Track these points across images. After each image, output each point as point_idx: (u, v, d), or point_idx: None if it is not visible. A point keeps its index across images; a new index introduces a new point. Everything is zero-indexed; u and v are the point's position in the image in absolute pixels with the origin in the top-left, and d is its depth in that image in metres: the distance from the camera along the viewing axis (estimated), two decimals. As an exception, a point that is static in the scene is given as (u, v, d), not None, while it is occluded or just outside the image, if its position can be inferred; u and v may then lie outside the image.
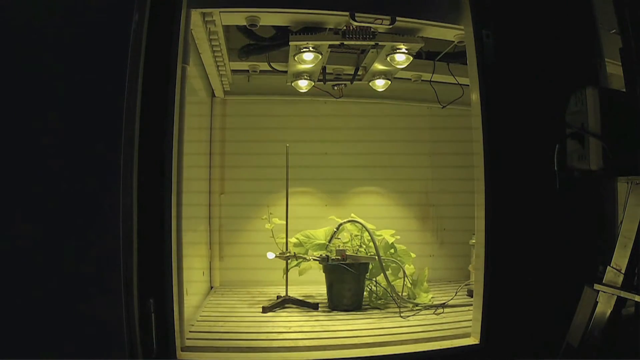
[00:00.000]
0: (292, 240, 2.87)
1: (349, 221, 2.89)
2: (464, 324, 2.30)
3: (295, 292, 2.86)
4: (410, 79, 3.40)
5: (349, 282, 2.71)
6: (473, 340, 2.08)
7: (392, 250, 2.85)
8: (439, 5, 2.31)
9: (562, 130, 1.78)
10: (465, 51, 2.23)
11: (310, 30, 2.50)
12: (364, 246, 2.86)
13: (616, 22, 1.85)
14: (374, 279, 2.86)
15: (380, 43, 2.54)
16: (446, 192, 3.52)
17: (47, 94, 1.66)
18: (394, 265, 2.82)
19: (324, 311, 2.71)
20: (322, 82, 3.20)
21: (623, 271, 1.70)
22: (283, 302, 2.76)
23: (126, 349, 1.62)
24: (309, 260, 2.75)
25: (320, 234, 2.91)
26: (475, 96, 2.14)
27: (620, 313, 1.73)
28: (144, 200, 1.72)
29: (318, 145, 3.45)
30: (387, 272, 2.77)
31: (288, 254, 2.76)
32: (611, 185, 2.14)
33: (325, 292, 2.82)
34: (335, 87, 3.33)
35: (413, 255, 2.90)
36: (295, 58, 2.67)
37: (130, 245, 1.66)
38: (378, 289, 2.87)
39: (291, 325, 2.40)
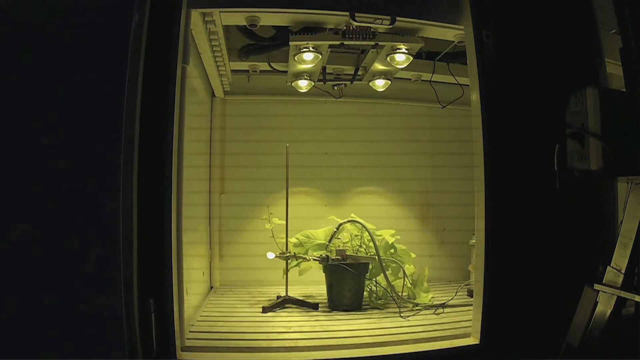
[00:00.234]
0: (292, 240, 2.87)
1: (349, 221, 2.89)
2: (464, 324, 2.30)
3: (295, 292, 2.86)
4: (410, 79, 3.39)
5: (349, 282, 2.71)
6: (473, 340, 2.08)
7: (392, 250, 2.85)
8: (439, 5, 2.31)
9: (562, 130, 1.78)
10: (465, 51, 2.23)
11: (310, 30, 2.50)
12: (364, 246, 2.86)
13: (616, 22, 1.85)
14: (374, 279, 2.86)
15: (380, 43, 2.54)
16: (446, 192, 3.52)
17: (47, 94, 1.66)
18: (394, 265, 2.82)
19: (324, 311, 2.71)
20: (322, 82, 3.20)
21: (623, 271, 1.70)
22: (283, 302, 2.76)
23: (126, 349, 1.62)
24: (309, 260, 2.75)
25: (320, 234, 2.91)
26: (475, 96, 2.14)
27: (620, 313, 1.73)
28: (144, 200, 1.72)
29: (318, 145, 3.45)
30: (387, 272, 2.77)
31: (288, 254, 2.76)
32: (611, 185, 2.13)
33: (325, 292, 2.82)
34: (335, 87, 3.33)
35: (413, 255, 2.90)
36: (295, 58, 2.67)
37: (130, 245, 1.66)
38: (378, 289, 2.87)
39: (291, 325, 2.40)
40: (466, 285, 3.00)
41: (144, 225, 1.72)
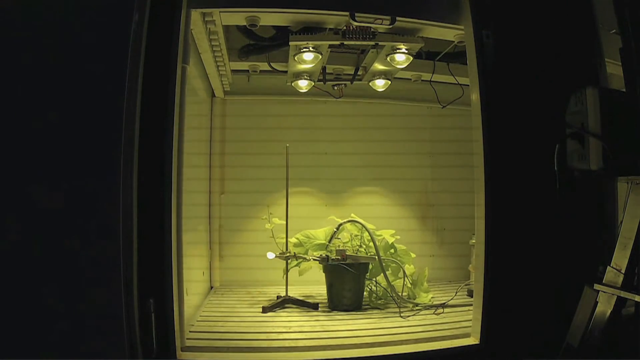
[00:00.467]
0: (292, 240, 2.87)
1: (349, 221, 2.89)
2: (464, 324, 2.30)
3: (295, 292, 2.86)
4: (410, 79, 3.39)
5: (349, 282, 2.71)
6: (473, 340, 2.08)
7: (392, 250, 2.85)
8: (439, 5, 2.31)
9: (562, 130, 1.78)
10: (465, 51, 2.23)
11: (310, 30, 2.50)
12: (364, 246, 2.86)
13: (616, 22, 1.85)
14: (374, 279, 2.86)
15: (380, 43, 2.54)
16: (446, 192, 3.52)
17: (47, 94, 1.66)
18: (394, 265, 2.82)
19: (324, 311, 2.71)
20: (322, 82, 3.20)
21: (623, 271, 1.70)
22: (283, 302, 2.76)
23: (126, 349, 1.62)
24: (309, 260, 2.75)
25: (320, 234, 2.91)
26: (475, 96, 2.14)
27: (620, 313, 1.73)
28: (144, 200, 1.72)
29: (318, 145, 3.45)
30: (387, 272, 2.77)
31: (288, 254, 2.76)
32: (611, 185, 2.13)
33: (325, 292, 2.82)
34: (335, 87, 3.33)
35: (413, 255, 2.90)
36: (295, 58, 2.67)
37: (130, 245, 1.66)
38: (378, 289, 2.87)
39: (291, 325, 2.40)
40: (466, 285, 3.00)
41: (144, 225, 1.72)
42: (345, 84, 3.30)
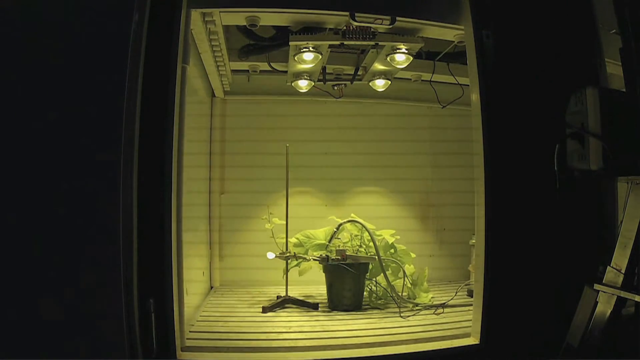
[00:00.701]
0: (292, 240, 2.87)
1: (349, 221, 2.89)
2: (464, 324, 2.30)
3: (295, 292, 2.86)
4: (410, 79, 3.39)
5: (349, 282, 2.71)
6: (473, 340, 2.08)
7: (392, 250, 2.85)
8: (439, 5, 2.31)
9: (562, 130, 1.78)
10: (465, 51, 2.23)
11: (310, 30, 2.50)
12: (364, 246, 2.86)
13: (616, 22, 1.85)
14: (374, 279, 2.86)
15: (380, 43, 2.54)
16: (446, 192, 3.52)
17: (47, 94, 1.66)
18: (394, 265, 2.82)
19: (324, 311, 2.71)
20: (322, 82, 3.20)
21: (623, 271, 1.70)
22: (283, 302, 2.76)
23: (126, 349, 1.62)
24: (309, 260, 2.75)
25: (320, 234, 2.91)
26: (475, 96, 2.13)
27: (620, 313, 1.73)
28: (144, 200, 1.72)
29: (318, 145, 3.45)
30: (387, 272, 2.77)
31: (288, 254, 2.76)
32: (611, 185, 2.13)
33: (325, 292, 2.82)
34: (335, 87, 3.33)
35: (413, 255, 2.90)
36: (295, 58, 2.67)
37: (130, 245, 1.65)
38: (378, 289, 2.87)
39: (291, 325, 2.40)
40: (466, 285, 3.00)
41: (144, 225, 1.72)
42: (345, 84, 3.30)
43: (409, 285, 2.82)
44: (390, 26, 2.35)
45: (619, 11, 1.82)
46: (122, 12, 1.70)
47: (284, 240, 2.83)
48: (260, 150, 3.36)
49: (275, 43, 2.75)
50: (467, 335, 2.13)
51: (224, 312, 2.66)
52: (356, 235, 2.89)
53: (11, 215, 1.61)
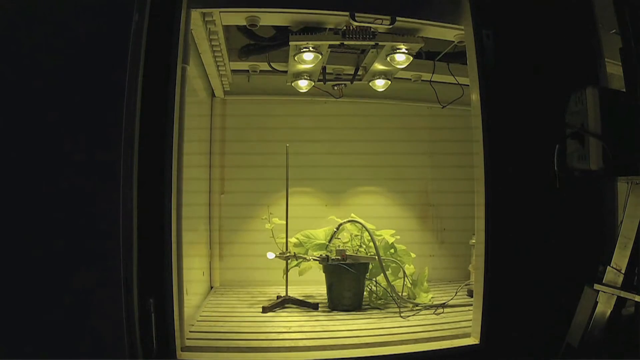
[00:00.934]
0: (292, 240, 2.87)
1: (349, 221, 2.89)
2: (464, 324, 2.30)
3: (295, 292, 2.86)
4: (410, 79, 3.39)
5: (349, 282, 2.71)
6: (473, 340, 2.08)
7: (392, 250, 2.85)
8: (439, 5, 2.31)
9: (562, 130, 1.78)
10: (465, 51, 2.23)
11: (310, 30, 2.50)
12: (364, 246, 2.86)
13: (616, 22, 1.85)
14: (374, 279, 2.85)
15: (380, 43, 2.54)
16: (446, 192, 3.52)
17: (47, 94, 1.66)
18: (394, 265, 2.82)
19: (324, 311, 2.71)
20: (322, 82, 3.20)
21: (623, 271, 1.70)
22: (283, 302, 2.76)
23: (126, 349, 1.62)
24: (309, 260, 2.75)
25: (320, 234, 2.91)
26: (475, 96, 2.14)
27: (620, 313, 1.73)
28: (144, 200, 1.72)
29: (318, 145, 3.45)
30: (387, 272, 2.77)
31: (288, 254, 2.76)
32: (611, 185, 2.13)
33: (325, 292, 2.82)
34: (335, 87, 3.33)
35: (413, 255, 2.90)
36: (295, 58, 2.67)
37: (130, 245, 1.66)
38: (378, 289, 2.87)
39: (291, 325, 2.40)
40: (466, 285, 3.00)
41: (144, 225, 1.72)
42: (345, 84, 3.30)
43: (409, 285, 2.82)
44: (390, 26, 2.35)
45: (619, 11, 1.82)
46: (122, 12, 1.70)
47: (284, 240, 2.83)
48: (260, 150, 3.36)
49: (275, 43, 2.75)
50: (467, 335, 2.13)
51: (224, 312, 2.66)
52: (356, 235, 2.89)
53: (11, 215, 1.61)
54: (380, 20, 2.31)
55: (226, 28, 2.58)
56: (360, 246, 2.86)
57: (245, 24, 2.35)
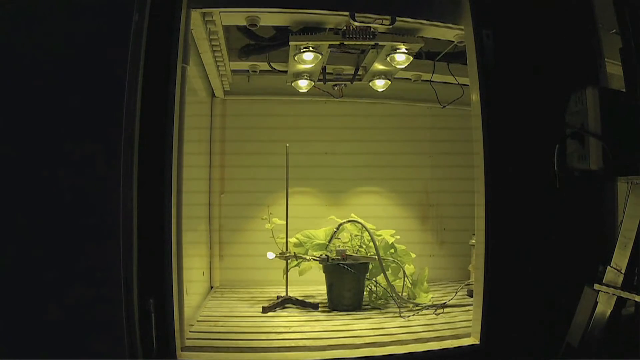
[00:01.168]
0: (292, 240, 2.87)
1: (349, 221, 2.89)
2: (464, 324, 2.30)
3: (295, 292, 2.86)
4: (410, 79, 3.39)
5: (349, 282, 2.71)
6: (473, 340, 2.08)
7: (392, 250, 2.85)
8: (439, 5, 2.31)
9: (562, 130, 1.78)
10: (465, 51, 2.23)
11: (310, 30, 2.50)
12: (364, 246, 2.86)
13: (616, 22, 1.85)
14: (374, 279, 2.86)
15: (380, 43, 2.54)
16: (446, 192, 3.52)
17: (47, 94, 1.66)
18: (394, 265, 2.82)
19: (324, 311, 2.71)
20: (322, 82, 3.20)
21: (623, 271, 1.70)
22: (283, 302, 2.76)
23: (126, 349, 1.62)
24: (309, 260, 2.75)
25: (320, 234, 2.91)
26: (475, 96, 2.14)
27: (620, 313, 1.73)
28: (144, 200, 1.72)
29: (318, 145, 3.45)
30: (387, 272, 2.77)
31: (288, 254, 2.76)
32: (611, 185, 2.13)
33: (325, 292, 2.82)
34: (335, 87, 3.33)
35: (413, 255, 2.90)
36: (295, 58, 2.67)
37: (130, 245, 1.66)
38: (378, 289, 2.87)
39: (291, 325, 2.40)
40: (466, 285, 3.00)
41: (144, 225, 1.72)
42: (345, 84, 3.30)
43: (409, 285, 2.82)
44: (390, 26, 2.35)
45: (619, 11, 1.82)
46: (122, 12, 1.70)
47: (284, 240, 2.83)
48: (260, 150, 3.36)
49: (275, 43, 2.75)
50: (467, 335, 2.13)
51: (224, 312, 2.66)
52: (356, 235, 2.89)
53: (11, 215, 1.61)
54: (380, 21, 2.31)
55: (226, 28, 2.58)
56: (360, 246, 2.86)
57: (245, 24, 2.35)
